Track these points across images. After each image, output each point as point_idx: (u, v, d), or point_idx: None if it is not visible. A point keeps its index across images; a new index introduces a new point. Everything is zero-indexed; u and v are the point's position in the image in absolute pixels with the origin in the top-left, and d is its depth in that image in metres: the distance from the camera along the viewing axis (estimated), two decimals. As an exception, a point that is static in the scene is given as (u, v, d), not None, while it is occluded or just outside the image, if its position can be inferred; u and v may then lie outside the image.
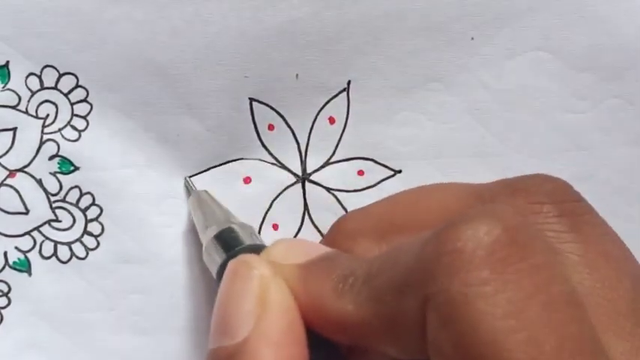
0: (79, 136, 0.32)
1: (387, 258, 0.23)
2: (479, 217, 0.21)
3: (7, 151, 0.32)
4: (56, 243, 0.33)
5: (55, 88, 0.32)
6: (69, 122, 0.32)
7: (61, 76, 0.32)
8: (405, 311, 0.21)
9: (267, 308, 0.24)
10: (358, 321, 0.23)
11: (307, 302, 0.24)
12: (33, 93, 0.32)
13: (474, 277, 0.20)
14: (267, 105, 0.33)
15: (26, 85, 0.32)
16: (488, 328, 0.20)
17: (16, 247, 0.32)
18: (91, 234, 0.33)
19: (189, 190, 0.33)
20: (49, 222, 0.33)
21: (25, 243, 0.32)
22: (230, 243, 0.29)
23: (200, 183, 0.33)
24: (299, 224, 0.34)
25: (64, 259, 0.33)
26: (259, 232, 0.34)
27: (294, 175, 0.34)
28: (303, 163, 0.34)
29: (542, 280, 0.20)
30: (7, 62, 0.32)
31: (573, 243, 0.23)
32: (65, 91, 0.32)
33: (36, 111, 0.32)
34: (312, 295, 0.24)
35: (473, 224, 0.21)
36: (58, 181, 0.32)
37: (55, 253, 0.33)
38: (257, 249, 0.27)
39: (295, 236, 0.34)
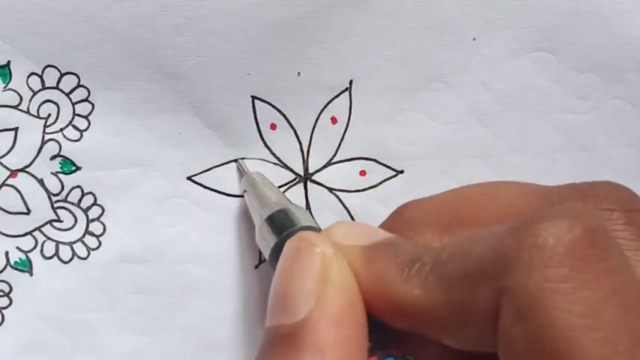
0: (81, 135, 0.32)
1: (457, 247, 0.23)
2: (560, 216, 0.21)
3: (8, 151, 0.32)
4: (58, 243, 0.33)
5: (56, 87, 0.32)
6: (70, 122, 0.32)
7: (62, 75, 0.32)
8: (476, 301, 0.21)
9: (328, 287, 0.23)
10: (425, 307, 0.23)
11: (370, 284, 0.24)
12: (34, 93, 0.32)
13: (553, 274, 0.20)
14: (269, 103, 0.33)
15: (27, 84, 0.32)
16: (564, 325, 0.20)
17: (18, 247, 0.32)
18: (92, 234, 0.33)
19: (241, 172, 0.33)
20: (50, 222, 0.32)
21: (27, 243, 0.32)
22: (285, 224, 0.28)
23: (202, 182, 0.33)
24: (301, 224, 0.34)
25: (66, 259, 0.33)
26: (261, 232, 0.34)
27: (296, 174, 0.34)
28: (305, 162, 0.34)
29: (619, 283, 0.21)
30: (9, 62, 0.31)
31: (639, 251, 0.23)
32: (67, 90, 0.32)
33: (37, 111, 0.32)
34: (376, 276, 0.23)
35: (554, 222, 0.21)
36: (60, 181, 0.32)
37: (56, 253, 0.33)
38: (314, 230, 0.27)
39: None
